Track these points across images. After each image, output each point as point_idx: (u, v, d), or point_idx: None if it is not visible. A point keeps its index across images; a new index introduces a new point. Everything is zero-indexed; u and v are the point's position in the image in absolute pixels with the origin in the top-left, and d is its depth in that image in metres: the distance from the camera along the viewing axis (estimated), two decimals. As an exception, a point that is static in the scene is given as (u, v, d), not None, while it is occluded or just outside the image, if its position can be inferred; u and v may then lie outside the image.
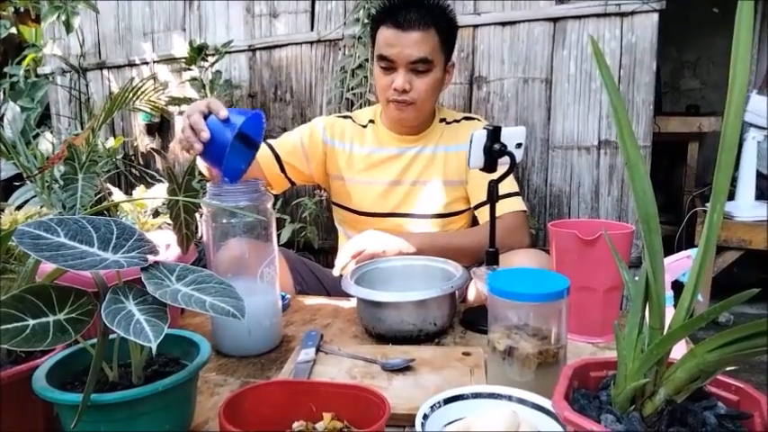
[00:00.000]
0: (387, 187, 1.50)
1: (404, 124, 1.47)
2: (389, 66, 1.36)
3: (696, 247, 0.56)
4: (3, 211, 1.01)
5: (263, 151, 1.50)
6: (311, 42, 2.23)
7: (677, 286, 0.75)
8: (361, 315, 1.10)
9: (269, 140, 1.54)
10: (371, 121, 1.54)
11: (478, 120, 1.54)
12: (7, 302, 0.60)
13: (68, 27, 2.26)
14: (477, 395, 0.72)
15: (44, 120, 2.99)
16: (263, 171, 1.50)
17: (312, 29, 2.24)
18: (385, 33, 1.35)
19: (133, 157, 2.70)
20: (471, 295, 1.23)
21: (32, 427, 0.71)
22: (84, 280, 0.73)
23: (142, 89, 1.86)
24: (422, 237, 1.38)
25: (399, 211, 1.51)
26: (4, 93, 2.90)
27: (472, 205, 1.50)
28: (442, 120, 1.53)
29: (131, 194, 1.48)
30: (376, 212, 1.51)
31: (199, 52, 2.19)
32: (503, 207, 1.40)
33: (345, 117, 1.56)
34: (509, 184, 1.44)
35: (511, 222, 1.40)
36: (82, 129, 2.59)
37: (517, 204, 1.43)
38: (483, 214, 1.44)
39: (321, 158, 1.53)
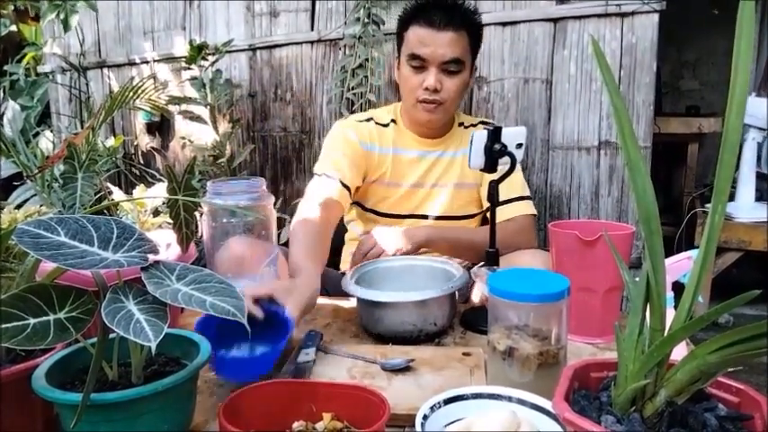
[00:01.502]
0: (409, 189, 1.49)
1: (431, 126, 1.45)
2: (421, 65, 1.36)
3: (697, 247, 0.56)
4: (2, 209, 1.01)
5: (340, 192, 1.38)
6: (311, 42, 2.23)
7: (678, 287, 0.75)
8: (361, 315, 1.10)
9: (332, 175, 1.39)
10: (393, 121, 1.51)
11: (494, 125, 1.53)
12: (8, 301, 0.60)
13: (66, 25, 2.25)
14: (477, 396, 0.72)
15: (44, 118, 2.99)
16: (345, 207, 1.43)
17: (312, 28, 2.23)
18: (418, 32, 1.35)
19: (133, 156, 2.70)
20: (476, 297, 1.23)
21: (32, 427, 0.71)
22: (85, 279, 0.72)
23: (142, 88, 1.86)
24: (431, 228, 1.38)
25: (417, 212, 1.50)
26: (4, 91, 2.90)
27: (483, 208, 1.50)
28: (461, 124, 1.53)
29: (131, 194, 1.48)
30: (395, 214, 1.50)
31: (199, 51, 2.19)
32: (515, 210, 1.41)
33: (368, 120, 1.51)
34: (521, 187, 1.45)
35: (521, 225, 1.41)
36: (82, 127, 2.59)
37: (529, 208, 1.44)
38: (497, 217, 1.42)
39: (364, 165, 1.47)
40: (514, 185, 1.42)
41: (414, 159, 1.49)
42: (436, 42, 1.33)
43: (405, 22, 1.40)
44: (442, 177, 1.49)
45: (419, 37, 1.35)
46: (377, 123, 1.50)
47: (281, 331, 0.86)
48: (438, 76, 1.35)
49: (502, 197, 1.38)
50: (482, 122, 1.55)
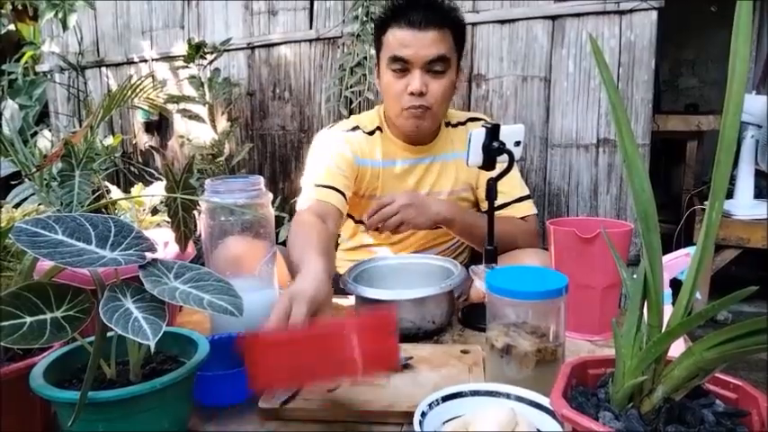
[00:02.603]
0: None
1: (420, 134, 1.38)
2: (404, 68, 1.28)
3: (695, 245, 0.56)
4: (1, 208, 1.01)
5: (338, 200, 1.31)
6: (310, 40, 2.23)
7: (676, 284, 0.75)
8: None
9: (327, 184, 1.32)
10: (379, 129, 1.43)
11: (485, 120, 1.48)
12: (5, 299, 0.60)
13: (64, 24, 2.25)
14: (475, 393, 0.72)
15: (43, 118, 2.99)
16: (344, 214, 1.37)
17: (311, 27, 2.23)
18: (398, 34, 1.28)
19: (132, 155, 2.70)
20: (474, 294, 1.23)
21: (30, 425, 0.71)
22: (82, 278, 0.72)
23: (141, 87, 1.85)
24: (454, 206, 1.31)
25: None
26: (3, 90, 2.89)
27: (485, 209, 1.48)
28: (448, 123, 1.46)
29: (130, 192, 1.48)
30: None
31: (197, 50, 2.19)
32: (522, 209, 1.40)
33: (354, 129, 1.42)
34: (522, 187, 1.44)
35: (530, 225, 1.40)
36: (80, 127, 2.59)
37: (533, 207, 1.43)
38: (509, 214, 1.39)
39: (356, 178, 1.41)
40: (518, 184, 1.42)
41: (404, 171, 1.42)
42: (418, 42, 1.26)
43: (383, 25, 1.32)
44: (436, 184, 1.43)
45: (399, 38, 1.27)
46: (363, 132, 1.42)
47: None
48: (423, 78, 1.27)
49: (513, 196, 1.38)
50: (471, 119, 1.47)
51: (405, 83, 1.29)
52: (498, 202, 1.36)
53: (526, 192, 1.44)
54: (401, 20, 1.27)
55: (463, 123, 1.47)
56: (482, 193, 1.41)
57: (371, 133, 1.43)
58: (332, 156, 1.37)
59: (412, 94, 1.28)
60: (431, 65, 1.28)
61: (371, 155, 1.41)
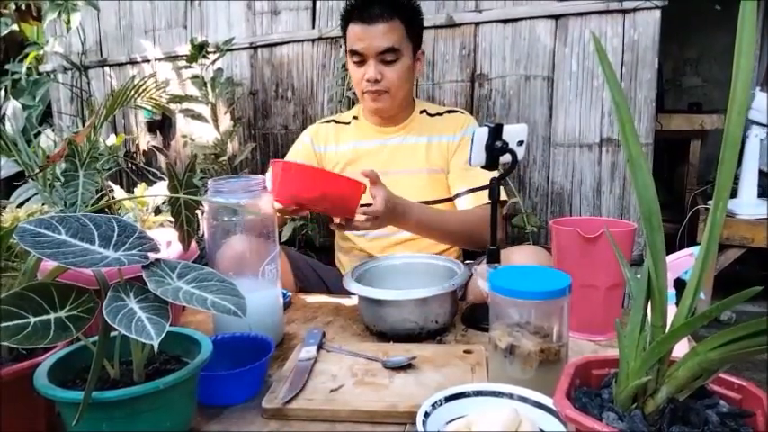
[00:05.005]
0: None
1: (381, 114, 1.51)
2: (361, 59, 1.43)
3: (698, 244, 0.56)
4: (4, 208, 1.01)
5: None
6: (312, 40, 2.23)
7: (679, 284, 0.75)
8: (363, 313, 1.10)
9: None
10: (355, 118, 1.60)
11: (461, 113, 1.57)
12: (9, 300, 0.60)
13: (68, 25, 2.25)
14: (478, 393, 0.72)
15: (46, 118, 2.99)
16: None
17: (313, 26, 2.23)
18: (353, 29, 1.42)
19: (135, 155, 2.70)
20: (472, 293, 1.23)
21: (34, 425, 0.71)
22: (86, 278, 0.73)
23: (143, 87, 1.86)
24: (420, 215, 1.32)
25: None
26: (6, 90, 2.90)
27: (452, 194, 1.50)
28: (423, 111, 1.56)
29: (133, 192, 1.48)
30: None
31: (200, 50, 2.19)
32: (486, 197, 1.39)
33: (329, 122, 1.62)
34: (485, 177, 1.44)
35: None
36: (83, 127, 2.59)
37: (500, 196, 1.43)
38: (460, 205, 1.45)
39: (318, 165, 1.56)
40: (481, 173, 1.42)
41: (374, 149, 1.54)
42: (369, 36, 1.40)
43: (344, 21, 1.47)
44: (407, 164, 1.52)
45: (355, 33, 1.42)
46: (338, 123, 1.61)
47: (262, 354, 0.87)
48: (378, 68, 1.42)
49: (477, 184, 1.40)
50: (448, 111, 1.57)
51: (363, 71, 1.44)
52: (464, 187, 1.45)
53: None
54: (356, 16, 1.42)
55: (441, 114, 1.57)
56: (452, 179, 1.51)
57: (347, 123, 1.61)
58: (295, 148, 1.61)
59: (369, 81, 1.43)
60: (382, 55, 1.42)
61: (337, 140, 1.58)
